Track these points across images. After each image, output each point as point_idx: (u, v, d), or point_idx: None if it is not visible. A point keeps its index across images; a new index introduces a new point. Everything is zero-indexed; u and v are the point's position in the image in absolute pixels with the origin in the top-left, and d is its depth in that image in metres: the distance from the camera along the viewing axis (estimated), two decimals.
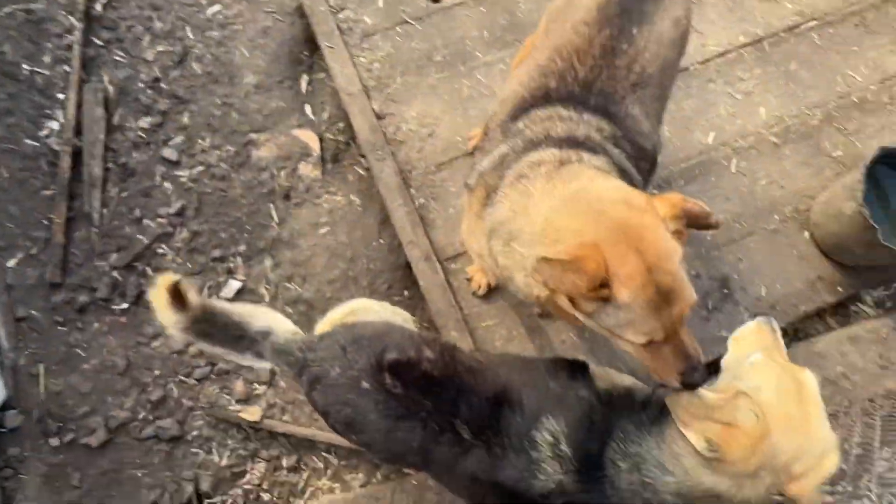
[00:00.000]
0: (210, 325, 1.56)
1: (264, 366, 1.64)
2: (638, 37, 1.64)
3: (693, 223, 1.33)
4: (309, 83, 2.90)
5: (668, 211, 1.30)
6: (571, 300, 1.31)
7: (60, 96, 2.80)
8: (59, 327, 2.57)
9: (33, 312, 2.58)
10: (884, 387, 2.27)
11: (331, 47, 2.68)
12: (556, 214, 1.34)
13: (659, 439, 1.35)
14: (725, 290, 2.47)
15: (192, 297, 1.53)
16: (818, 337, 2.47)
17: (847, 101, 2.71)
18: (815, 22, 2.83)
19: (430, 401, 1.40)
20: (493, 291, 2.45)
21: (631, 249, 1.24)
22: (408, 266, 2.55)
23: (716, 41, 2.79)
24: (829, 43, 2.81)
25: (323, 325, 1.68)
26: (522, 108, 1.62)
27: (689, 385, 1.34)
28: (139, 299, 2.61)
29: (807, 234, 2.51)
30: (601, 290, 1.24)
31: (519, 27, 2.78)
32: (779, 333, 1.46)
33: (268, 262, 2.65)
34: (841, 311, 2.55)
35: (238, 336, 1.58)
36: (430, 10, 2.79)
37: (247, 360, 1.64)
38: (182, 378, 2.53)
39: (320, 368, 1.49)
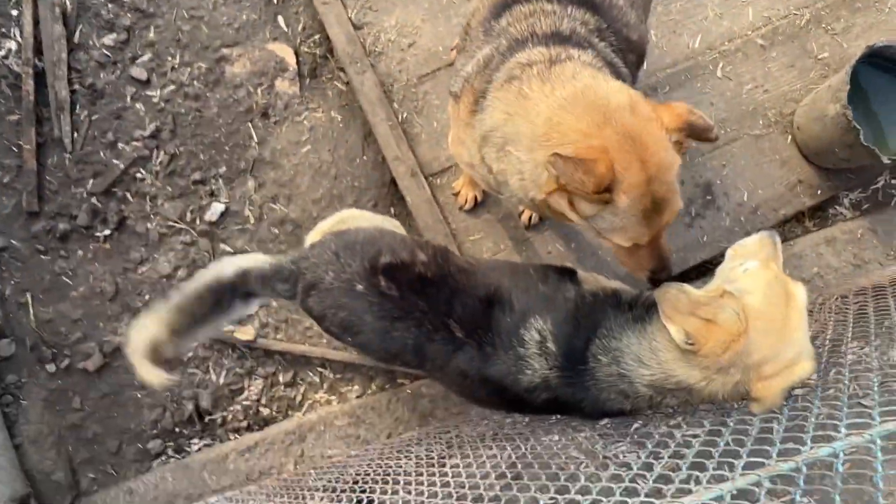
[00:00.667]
0: (189, 318, 1.52)
1: (258, 304, 1.63)
2: None
3: (694, 135, 1.33)
4: None
5: (673, 122, 1.30)
6: (570, 201, 1.32)
7: (14, 13, 2.63)
8: (41, 256, 2.55)
9: (13, 242, 2.54)
10: (857, 284, 2.36)
11: None
12: (561, 116, 1.32)
13: (640, 335, 1.41)
14: (708, 197, 2.50)
15: (169, 340, 1.50)
16: (796, 239, 2.54)
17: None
18: None
19: (425, 301, 1.43)
20: (480, 206, 2.45)
21: (636, 158, 1.25)
22: (393, 182, 2.53)
23: None
24: None
25: (314, 235, 1.69)
26: (504, 4, 1.56)
27: (655, 281, 1.44)
28: (121, 225, 2.58)
29: (789, 137, 2.53)
30: (604, 193, 1.26)
31: None
32: (779, 248, 1.49)
33: (250, 184, 2.61)
34: (819, 214, 2.61)
35: (217, 300, 1.55)
36: None
37: (237, 312, 1.62)
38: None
39: (314, 275, 1.51)
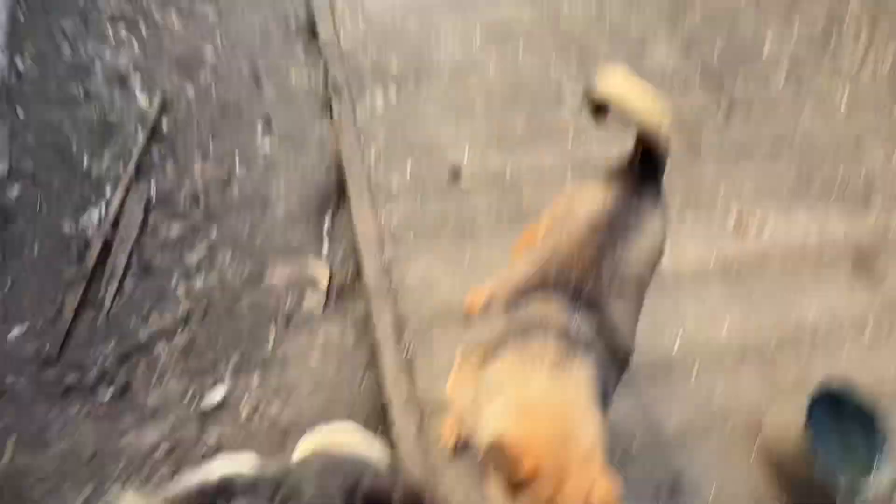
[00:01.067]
0: None
1: None
2: (621, 252, 1.96)
3: None
4: (331, 222, 3.23)
5: (602, 495, 1.44)
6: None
7: (108, 193, 3.11)
8: (40, 404, 2.65)
9: (19, 384, 2.67)
10: None
11: (360, 201, 3.05)
12: (543, 410, 1.52)
13: None
14: (676, 487, 2.61)
15: None
16: None
17: (800, 332, 3.02)
18: (779, 259, 3.24)
19: None
20: (462, 451, 2.58)
21: (554, 485, 1.42)
22: (384, 408, 2.70)
23: (692, 257, 3.17)
24: (790, 280, 3.18)
25: (303, 446, 1.82)
26: (524, 293, 1.87)
27: None
28: (123, 392, 2.72)
29: (755, 446, 2.71)
30: (511, 487, 1.43)
31: (523, 214, 3.17)
32: None
33: (255, 379, 2.79)
34: None
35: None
36: (449, 188, 3.21)
37: None
38: (142, 480, 2.57)
39: (294, 488, 1.61)
